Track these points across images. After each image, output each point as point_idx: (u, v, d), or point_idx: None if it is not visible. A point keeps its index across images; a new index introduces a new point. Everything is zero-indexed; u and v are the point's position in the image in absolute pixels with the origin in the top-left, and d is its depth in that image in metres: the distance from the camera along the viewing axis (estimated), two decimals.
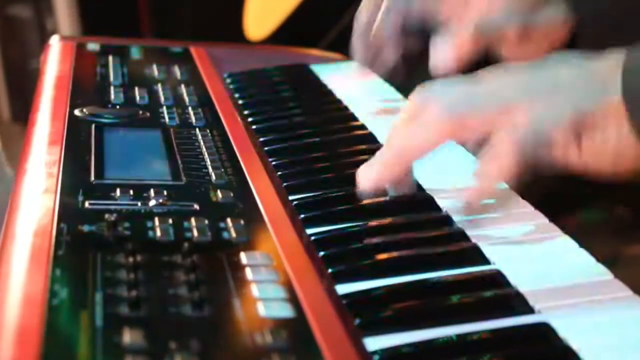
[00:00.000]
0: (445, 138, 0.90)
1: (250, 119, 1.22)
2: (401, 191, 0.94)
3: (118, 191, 0.89)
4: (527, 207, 0.94)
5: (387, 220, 0.91)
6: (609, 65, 0.87)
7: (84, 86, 1.24)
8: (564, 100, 0.86)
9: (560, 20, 1.19)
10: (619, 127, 0.84)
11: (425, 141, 0.90)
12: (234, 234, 0.82)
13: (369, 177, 0.91)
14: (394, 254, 0.85)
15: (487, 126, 0.88)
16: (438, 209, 0.93)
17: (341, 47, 1.60)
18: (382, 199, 0.95)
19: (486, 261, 0.83)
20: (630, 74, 0.85)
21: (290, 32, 2.71)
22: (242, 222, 0.85)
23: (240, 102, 1.30)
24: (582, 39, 1.20)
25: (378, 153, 0.93)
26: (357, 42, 1.28)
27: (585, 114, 0.85)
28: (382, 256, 0.85)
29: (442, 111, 0.89)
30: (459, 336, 0.71)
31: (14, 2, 4.39)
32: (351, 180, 0.97)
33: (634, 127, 0.83)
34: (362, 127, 1.20)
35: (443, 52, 1.14)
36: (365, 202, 0.94)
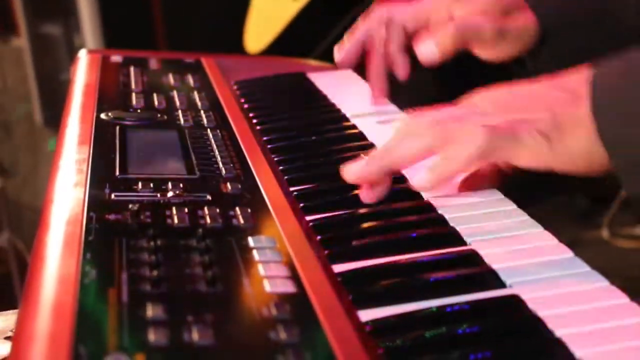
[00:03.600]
0: (429, 152, 0.88)
1: (255, 121, 1.22)
2: (376, 195, 0.92)
3: (140, 184, 0.88)
4: (497, 195, 0.94)
5: (376, 208, 0.91)
6: (578, 79, 0.87)
7: (109, 93, 1.24)
8: (539, 107, 0.86)
9: (530, 21, 1.19)
10: (587, 135, 0.84)
11: (408, 151, 0.89)
12: (242, 221, 0.82)
13: (353, 171, 0.91)
14: (383, 237, 0.85)
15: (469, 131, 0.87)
16: (421, 197, 0.93)
17: (329, 58, 1.60)
18: None
19: (463, 242, 0.83)
20: (597, 87, 0.85)
21: (283, 45, 2.71)
22: (249, 210, 0.85)
23: (246, 106, 1.30)
24: (550, 38, 1.20)
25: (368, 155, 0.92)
26: (349, 50, 1.28)
27: (559, 118, 0.85)
28: (372, 239, 0.85)
29: (429, 127, 0.89)
30: (439, 308, 0.71)
31: (45, 22, 4.38)
32: None
33: (601, 135, 0.83)
34: (353, 126, 1.20)
35: (427, 47, 1.14)
36: (356, 192, 0.94)
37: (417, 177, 0.88)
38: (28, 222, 4.86)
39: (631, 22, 1.19)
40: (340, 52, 1.30)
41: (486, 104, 0.91)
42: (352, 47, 1.29)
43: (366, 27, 1.27)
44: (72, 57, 4.14)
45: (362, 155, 0.94)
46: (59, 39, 4.31)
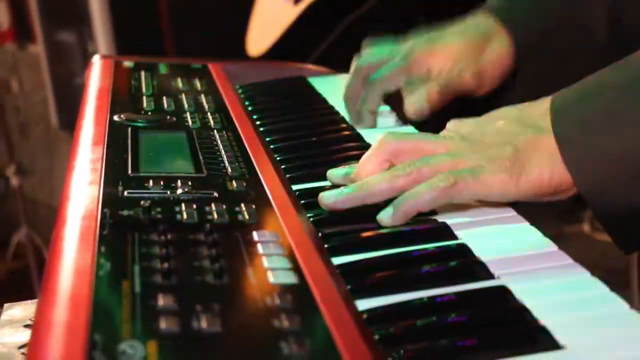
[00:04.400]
0: (400, 188, 0.87)
1: (258, 123, 1.22)
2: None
3: (151, 182, 0.88)
4: None
5: (371, 206, 0.91)
6: (540, 111, 0.88)
7: (121, 96, 1.24)
8: (503, 143, 0.86)
9: (504, 51, 1.20)
10: (551, 164, 0.84)
11: (379, 192, 0.87)
12: (247, 217, 0.82)
13: (328, 201, 0.89)
14: (378, 232, 0.85)
15: (437, 170, 0.87)
16: None
17: (326, 61, 1.61)
18: None
19: (454, 236, 0.84)
20: (558, 114, 0.85)
21: (282, 49, 2.71)
22: (253, 206, 0.85)
23: (250, 108, 1.30)
24: (527, 55, 1.21)
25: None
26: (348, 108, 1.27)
27: (522, 153, 0.85)
28: (368, 234, 0.85)
29: (403, 169, 0.88)
30: (430, 298, 0.72)
31: (60, 29, 4.37)
32: None
33: (565, 162, 0.83)
34: (350, 128, 1.20)
35: (414, 106, 1.15)
36: None
37: (383, 214, 0.86)
38: (44, 218, 4.86)
39: (601, 33, 1.20)
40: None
41: (458, 136, 0.91)
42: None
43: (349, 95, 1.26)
44: (86, 62, 4.15)
45: (347, 164, 0.95)
46: (73, 45, 4.31)
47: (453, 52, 1.20)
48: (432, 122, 1.15)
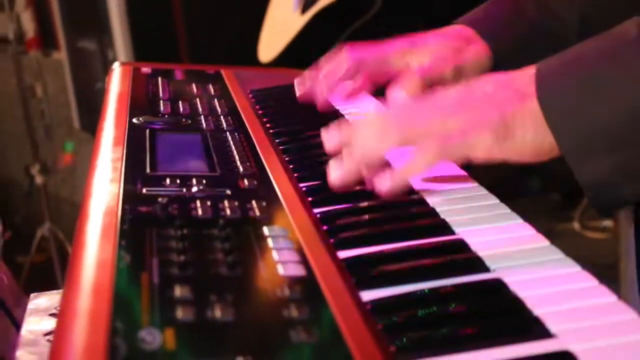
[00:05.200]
0: (395, 144, 0.88)
1: (268, 125, 1.22)
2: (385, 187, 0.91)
3: (168, 180, 0.89)
4: (482, 190, 0.94)
5: (375, 202, 0.91)
6: (525, 77, 0.87)
7: (140, 100, 1.24)
8: (489, 107, 0.86)
9: (483, 55, 1.20)
10: (535, 127, 0.84)
11: (380, 145, 0.89)
12: (258, 213, 0.83)
13: (335, 177, 0.91)
14: (381, 227, 0.85)
15: (428, 132, 0.88)
16: (415, 193, 0.94)
17: None
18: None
19: (452, 232, 0.83)
20: (541, 81, 0.85)
21: (291, 55, 2.72)
22: (264, 203, 0.85)
23: (260, 112, 1.29)
24: (503, 61, 1.21)
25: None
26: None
27: (508, 117, 0.85)
28: (372, 229, 0.85)
29: (395, 122, 0.89)
30: (430, 289, 0.71)
31: (82, 37, 4.38)
32: None
33: (549, 124, 0.83)
34: None
35: (398, 94, 1.15)
36: (358, 188, 0.94)
37: (380, 183, 0.88)
38: (66, 214, 4.87)
39: (574, 41, 1.20)
40: (300, 88, 1.29)
41: (445, 101, 0.91)
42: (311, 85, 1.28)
43: (328, 69, 1.26)
44: (106, 69, 4.16)
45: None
46: (94, 53, 4.31)
47: (432, 49, 1.20)
48: None
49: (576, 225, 3.92)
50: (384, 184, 0.87)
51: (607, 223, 3.87)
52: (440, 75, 1.18)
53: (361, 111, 1.24)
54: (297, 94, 1.29)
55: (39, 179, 4.18)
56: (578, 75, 0.84)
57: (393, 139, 0.88)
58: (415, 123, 0.89)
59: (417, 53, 1.20)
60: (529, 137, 0.85)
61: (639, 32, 0.83)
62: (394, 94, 1.16)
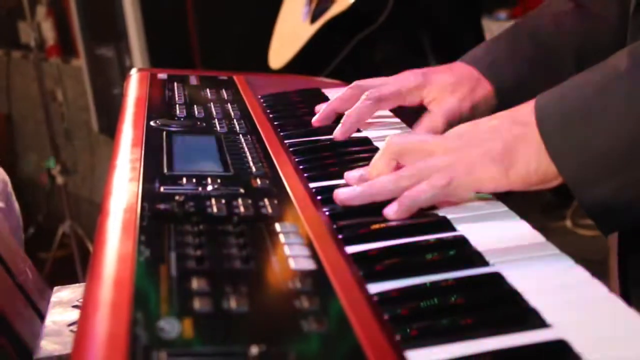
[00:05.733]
0: (404, 188, 0.88)
1: (279, 128, 1.22)
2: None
3: (184, 180, 0.89)
4: None
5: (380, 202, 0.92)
6: (526, 110, 0.88)
7: (157, 104, 1.24)
8: (494, 139, 0.87)
9: (489, 92, 1.20)
10: (537, 155, 0.84)
11: (385, 192, 0.89)
12: (270, 210, 0.83)
13: (343, 197, 0.90)
14: (386, 224, 0.85)
15: (436, 168, 0.88)
16: None
17: (338, 74, 1.61)
18: None
19: (453, 229, 0.84)
20: (541, 112, 0.86)
21: (300, 63, 2.72)
22: (275, 201, 0.85)
23: (271, 115, 1.30)
24: (506, 98, 1.21)
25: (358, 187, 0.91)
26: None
27: (511, 146, 0.85)
28: (377, 226, 0.85)
29: (407, 170, 0.89)
30: (433, 283, 0.72)
31: (100, 45, 4.39)
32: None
33: (550, 153, 0.84)
34: (359, 131, 1.20)
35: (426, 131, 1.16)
36: None
37: (389, 209, 0.87)
38: (86, 212, 4.89)
39: (571, 74, 1.21)
40: (317, 119, 1.25)
41: (454, 136, 0.92)
42: (326, 115, 1.25)
43: (340, 99, 1.24)
44: (123, 75, 4.17)
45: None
46: (111, 59, 4.32)
47: (447, 86, 1.19)
48: None
49: (568, 222, 3.92)
50: (392, 209, 0.87)
51: None
52: (460, 115, 1.18)
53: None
54: (313, 123, 1.25)
55: (59, 179, 4.19)
56: (575, 106, 0.85)
57: (403, 184, 0.88)
58: (426, 162, 0.89)
59: (432, 90, 1.19)
60: (533, 165, 0.85)
61: (629, 63, 0.84)
62: (421, 128, 1.16)
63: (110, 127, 4.61)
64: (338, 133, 1.15)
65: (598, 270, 0.75)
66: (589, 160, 0.83)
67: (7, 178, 1.29)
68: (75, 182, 4.97)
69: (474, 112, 1.19)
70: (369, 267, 0.75)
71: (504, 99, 1.20)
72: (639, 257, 1.08)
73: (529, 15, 1.32)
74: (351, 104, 1.20)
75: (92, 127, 4.77)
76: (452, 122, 1.16)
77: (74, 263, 4.14)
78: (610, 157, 0.82)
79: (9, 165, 5.78)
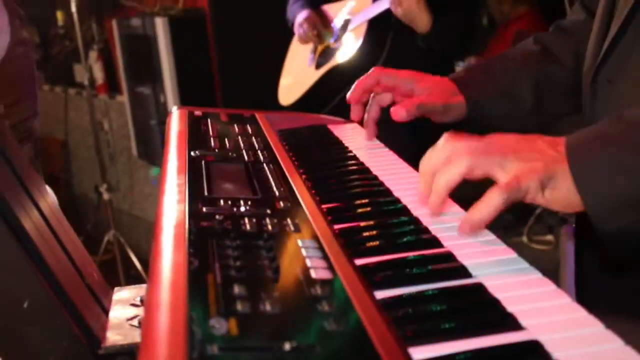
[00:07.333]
0: (467, 175, 0.86)
1: (294, 158, 1.23)
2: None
3: (221, 202, 0.89)
4: (463, 213, 0.94)
5: (379, 222, 0.92)
6: (557, 140, 0.87)
7: (195, 137, 1.24)
8: (539, 159, 0.85)
9: (463, 106, 1.29)
10: (567, 187, 0.84)
11: (454, 177, 0.87)
12: (292, 228, 0.83)
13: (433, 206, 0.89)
14: (386, 241, 0.86)
15: (487, 173, 0.86)
16: (411, 214, 0.94)
17: (339, 112, 1.62)
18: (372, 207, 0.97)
19: (441, 246, 0.84)
20: (571, 151, 0.85)
21: (306, 100, 2.74)
22: (296, 221, 0.86)
23: (287, 147, 1.30)
24: (474, 110, 1.29)
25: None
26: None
27: (551, 170, 0.84)
28: (379, 242, 0.85)
29: (468, 155, 0.87)
30: (418, 292, 0.72)
31: (140, 84, 4.40)
32: (356, 195, 1.01)
33: (577, 188, 0.84)
34: (361, 163, 1.21)
35: (400, 112, 1.22)
36: (367, 209, 0.95)
37: (462, 224, 0.85)
38: (126, 223, 4.88)
39: (529, 102, 1.31)
40: (355, 114, 1.37)
41: (499, 142, 0.88)
42: (358, 108, 1.36)
43: (362, 88, 1.33)
44: (158, 109, 4.16)
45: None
46: (149, 96, 4.33)
47: (432, 86, 1.28)
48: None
49: (524, 238, 3.93)
50: (465, 224, 0.85)
51: (549, 237, 3.89)
52: (434, 107, 1.25)
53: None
54: (353, 116, 1.37)
55: (105, 196, 4.19)
56: (599, 151, 0.84)
57: (465, 165, 0.86)
58: (487, 152, 0.87)
59: (422, 86, 1.28)
60: (563, 192, 0.84)
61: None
62: (397, 110, 1.22)
63: (147, 152, 4.61)
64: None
65: (551, 278, 0.76)
66: (610, 197, 0.83)
67: (55, 198, 1.28)
68: (118, 198, 4.97)
69: (446, 111, 1.27)
70: (373, 277, 0.75)
71: (472, 116, 1.29)
72: (594, 268, 1.09)
73: (505, 52, 1.38)
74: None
75: (132, 153, 4.78)
76: (426, 110, 1.24)
77: (116, 265, 4.14)
78: (630, 195, 0.82)
79: (64, 183, 5.79)
